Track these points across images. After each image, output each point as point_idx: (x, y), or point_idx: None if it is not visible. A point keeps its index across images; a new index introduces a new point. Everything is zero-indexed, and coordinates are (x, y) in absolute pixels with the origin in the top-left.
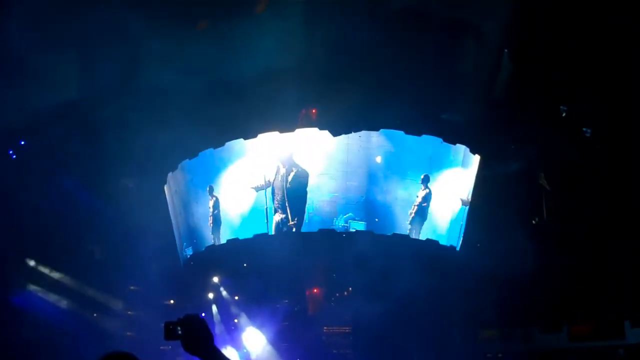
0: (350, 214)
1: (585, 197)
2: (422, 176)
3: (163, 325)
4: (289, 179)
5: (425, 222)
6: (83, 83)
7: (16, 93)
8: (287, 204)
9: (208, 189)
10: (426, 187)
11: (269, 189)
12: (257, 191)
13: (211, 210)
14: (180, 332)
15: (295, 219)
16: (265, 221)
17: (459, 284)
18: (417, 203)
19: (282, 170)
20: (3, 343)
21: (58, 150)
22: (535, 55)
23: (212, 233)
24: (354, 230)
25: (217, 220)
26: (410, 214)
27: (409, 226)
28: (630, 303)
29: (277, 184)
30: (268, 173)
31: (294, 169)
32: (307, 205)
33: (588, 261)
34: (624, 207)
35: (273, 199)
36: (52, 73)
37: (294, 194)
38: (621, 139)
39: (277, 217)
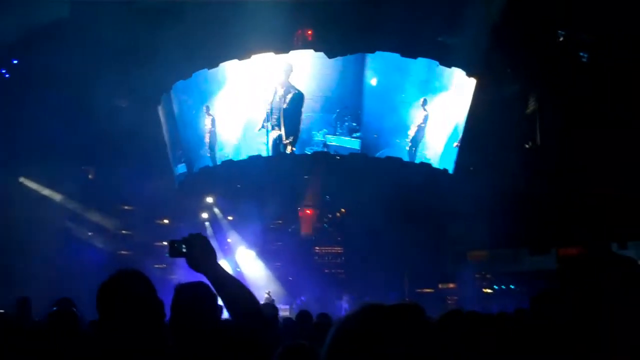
0: (324, 129)
1: (579, 122)
2: (421, 100)
3: (167, 242)
4: (287, 99)
5: (421, 142)
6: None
7: (9, 10)
8: (282, 123)
9: (204, 108)
10: (424, 109)
11: (267, 109)
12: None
13: (208, 127)
14: (184, 249)
15: (291, 137)
16: (265, 140)
17: (450, 207)
18: (416, 123)
19: (280, 91)
20: None
21: (50, 69)
22: None
23: (209, 148)
24: (348, 154)
25: (212, 137)
26: (409, 134)
27: (409, 144)
28: (617, 225)
29: (275, 104)
30: (265, 94)
31: (291, 90)
32: (301, 125)
33: (577, 185)
34: (615, 130)
35: (269, 118)
36: None
37: (290, 114)
38: (617, 65)
39: (274, 134)
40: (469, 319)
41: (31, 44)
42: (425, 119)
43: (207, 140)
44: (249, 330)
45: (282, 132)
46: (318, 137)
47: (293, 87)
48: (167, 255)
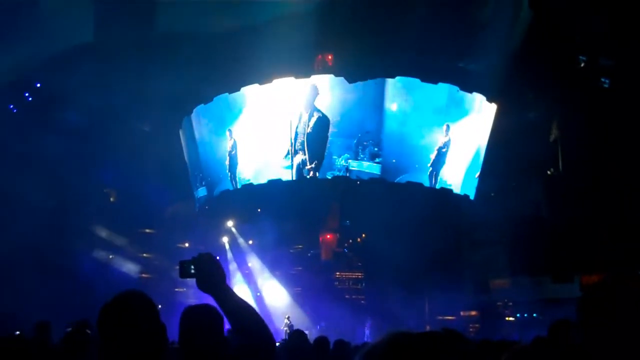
0: (346, 155)
1: (601, 149)
2: (444, 126)
3: (178, 263)
4: (310, 124)
5: (443, 167)
6: (99, 28)
7: (32, 37)
8: (305, 147)
9: (227, 131)
10: (447, 134)
11: (292, 133)
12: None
13: (229, 150)
14: (193, 270)
15: (315, 162)
16: (291, 164)
17: (472, 233)
18: (437, 147)
19: (305, 116)
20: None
21: (73, 93)
22: (555, 3)
23: (229, 171)
24: (368, 179)
25: (233, 160)
26: (431, 158)
27: (430, 168)
28: None
29: (300, 128)
30: (290, 116)
31: (315, 114)
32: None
33: (601, 212)
34: (638, 159)
35: (295, 142)
36: (66, 17)
37: (314, 138)
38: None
39: (298, 158)
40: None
41: (54, 68)
42: (447, 144)
43: (227, 163)
44: (256, 355)
45: (306, 157)
46: (340, 162)
47: (318, 110)
48: (179, 276)
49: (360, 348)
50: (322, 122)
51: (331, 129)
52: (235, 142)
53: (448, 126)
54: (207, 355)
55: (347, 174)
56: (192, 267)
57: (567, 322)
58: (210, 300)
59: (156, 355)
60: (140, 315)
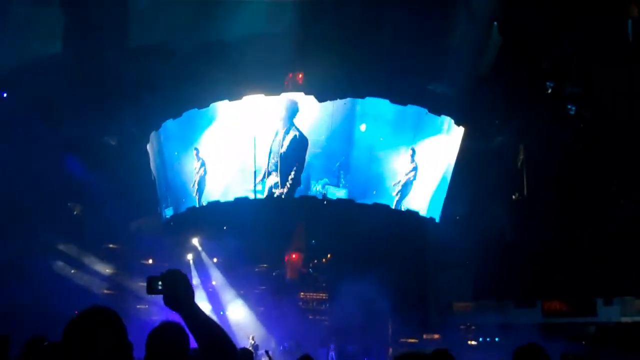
0: (325, 179)
1: (564, 174)
2: (409, 151)
3: (146, 279)
4: (285, 143)
5: (409, 194)
6: (68, 37)
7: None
8: (279, 169)
9: (195, 151)
10: (413, 161)
11: (266, 151)
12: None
13: (197, 170)
14: (160, 287)
15: (287, 186)
16: (254, 183)
17: (436, 256)
18: (404, 174)
19: (281, 133)
20: None
21: (40, 104)
22: (524, 30)
23: (197, 190)
24: (335, 198)
25: (201, 182)
26: (396, 185)
27: (396, 196)
28: (603, 282)
29: (274, 147)
30: (262, 134)
31: (292, 131)
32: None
33: (564, 239)
34: (601, 186)
35: (269, 162)
36: (38, 25)
37: (288, 159)
38: (603, 118)
39: (272, 179)
40: None
41: (21, 78)
42: (415, 170)
43: (196, 180)
44: None
45: (278, 179)
46: (316, 187)
47: (296, 128)
48: (146, 292)
49: None
50: (299, 142)
51: (314, 150)
52: (203, 161)
53: (414, 151)
54: None
55: (325, 202)
56: (160, 283)
57: (534, 347)
58: (174, 317)
59: None
60: (108, 332)
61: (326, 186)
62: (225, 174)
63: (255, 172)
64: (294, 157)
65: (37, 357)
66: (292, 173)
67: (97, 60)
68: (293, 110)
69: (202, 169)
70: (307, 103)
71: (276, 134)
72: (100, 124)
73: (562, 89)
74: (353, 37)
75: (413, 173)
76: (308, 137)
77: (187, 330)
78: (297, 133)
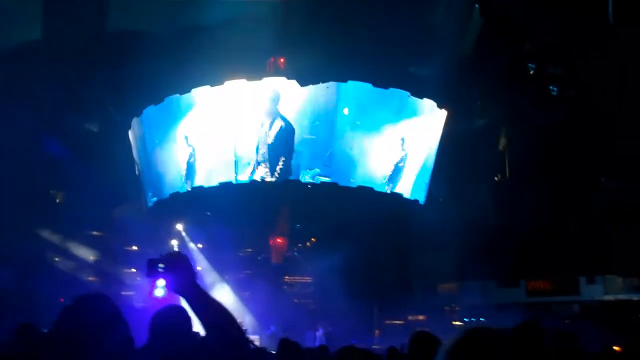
0: (316, 169)
1: (547, 155)
2: (399, 139)
3: (147, 261)
4: (271, 133)
5: (399, 182)
6: (47, 22)
7: None
8: (267, 159)
9: (184, 138)
10: (402, 149)
11: (251, 140)
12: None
13: (186, 157)
14: (161, 269)
15: (276, 175)
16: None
17: (420, 238)
18: (392, 162)
19: (267, 123)
20: None
21: (21, 90)
22: (505, 12)
23: (187, 181)
24: (319, 182)
25: (190, 169)
26: (386, 173)
27: (388, 184)
28: (586, 261)
29: (261, 138)
30: (244, 120)
31: (277, 121)
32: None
33: (547, 218)
34: (584, 166)
35: (257, 153)
36: (16, 11)
37: (275, 149)
38: (586, 99)
39: (261, 170)
40: None
41: (1, 66)
42: (404, 158)
43: (183, 167)
44: (228, 356)
45: (267, 170)
46: (306, 177)
47: (281, 117)
48: (146, 275)
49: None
50: (286, 131)
51: (306, 136)
52: (193, 149)
53: (403, 140)
54: (178, 357)
55: (309, 186)
56: (161, 265)
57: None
58: (159, 304)
59: (123, 356)
60: (106, 314)
61: (316, 177)
62: (209, 159)
63: (236, 162)
64: (281, 146)
65: (31, 345)
66: (281, 163)
67: (77, 46)
68: (275, 99)
69: (192, 157)
70: (290, 88)
71: (261, 125)
72: (82, 110)
73: (544, 70)
74: (334, 20)
75: (402, 160)
76: (293, 123)
77: (190, 313)
78: (283, 123)
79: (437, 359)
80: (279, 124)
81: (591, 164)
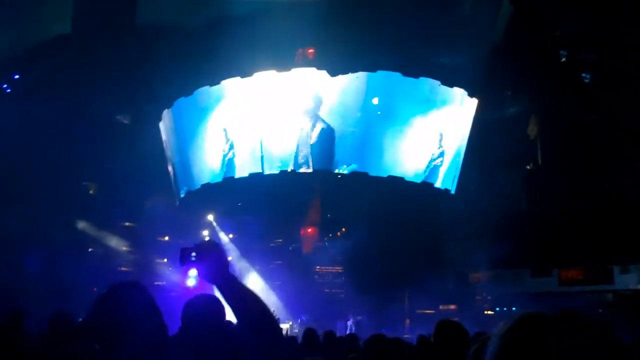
0: (354, 165)
1: (578, 143)
2: (437, 135)
3: (179, 250)
4: (313, 135)
5: (437, 180)
6: (77, 19)
7: (10, 26)
8: (310, 162)
9: (223, 131)
10: (440, 145)
11: (294, 143)
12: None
13: (223, 152)
14: (193, 258)
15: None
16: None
17: (452, 227)
18: (428, 159)
19: (307, 125)
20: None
21: (52, 85)
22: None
23: (222, 172)
24: (350, 172)
25: (230, 163)
26: (419, 168)
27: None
28: (620, 249)
29: (302, 139)
30: (283, 119)
31: (319, 124)
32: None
33: (579, 207)
34: (616, 153)
35: (297, 154)
36: (47, 6)
37: (317, 150)
38: (619, 86)
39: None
40: None
41: (33, 59)
42: (442, 154)
43: (218, 158)
44: (263, 349)
45: (310, 170)
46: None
47: (322, 120)
48: (179, 263)
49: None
50: (328, 133)
51: (349, 129)
52: (232, 143)
53: (441, 135)
54: (211, 345)
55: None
56: (194, 254)
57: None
58: (191, 293)
59: (158, 344)
60: (139, 300)
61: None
62: (242, 152)
63: (262, 157)
64: (323, 148)
65: (65, 333)
66: (324, 165)
67: (107, 39)
68: (317, 103)
69: (231, 151)
70: (322, 83)
71: (301, 129)
72: (113, 103)
73: (576, 57)
74: (363, 10)
75: (440, 155)
76: (351, 114)
77: (223, 302)
78: (324, 125)
79: (490, 343)
80: (320, 126)
81: (624, 151)
